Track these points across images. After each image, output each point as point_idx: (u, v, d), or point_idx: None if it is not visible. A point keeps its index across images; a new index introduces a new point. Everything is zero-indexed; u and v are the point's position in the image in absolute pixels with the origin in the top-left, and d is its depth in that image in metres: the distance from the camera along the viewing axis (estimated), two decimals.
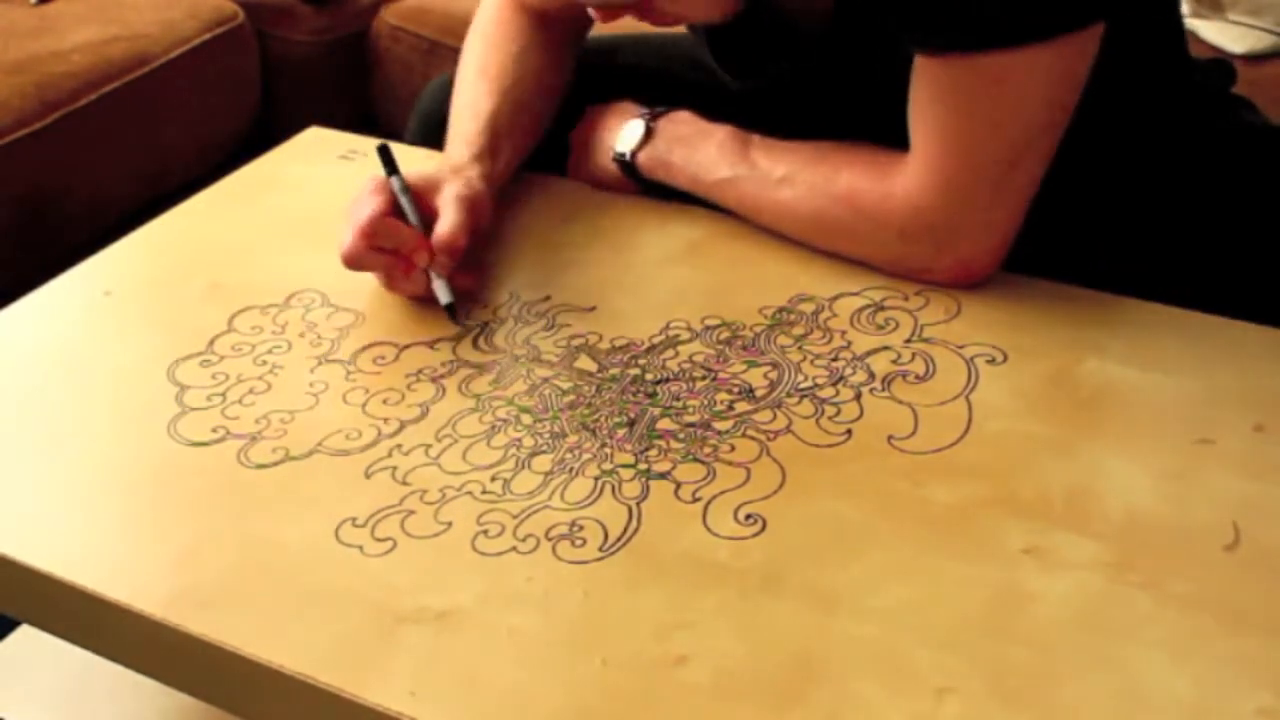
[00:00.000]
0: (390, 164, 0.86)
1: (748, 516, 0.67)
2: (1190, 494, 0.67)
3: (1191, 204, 0.88)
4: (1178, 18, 0.91)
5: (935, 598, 0.61)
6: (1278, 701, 0.56)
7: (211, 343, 0.82)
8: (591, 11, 0.83)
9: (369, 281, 0.87)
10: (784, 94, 0.93)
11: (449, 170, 0.88)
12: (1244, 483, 0.68)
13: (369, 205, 0.81)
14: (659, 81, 1.02)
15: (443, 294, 0.82)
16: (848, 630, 0.60)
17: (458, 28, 1.76)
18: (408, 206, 0.84)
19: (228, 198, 1.00)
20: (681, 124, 0.92)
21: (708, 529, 0.66)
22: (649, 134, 0.92)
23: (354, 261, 0.82)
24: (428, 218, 0.84)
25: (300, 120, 1.13)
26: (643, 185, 0.94)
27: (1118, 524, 0.65)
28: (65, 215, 1.62)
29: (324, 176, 1.02)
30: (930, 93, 0.78)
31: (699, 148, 0.90)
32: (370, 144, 1.06)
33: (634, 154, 0.93)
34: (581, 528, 0.66)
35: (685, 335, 0.81)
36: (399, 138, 1.10)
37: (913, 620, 0.60)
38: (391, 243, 0.82)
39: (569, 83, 1.01)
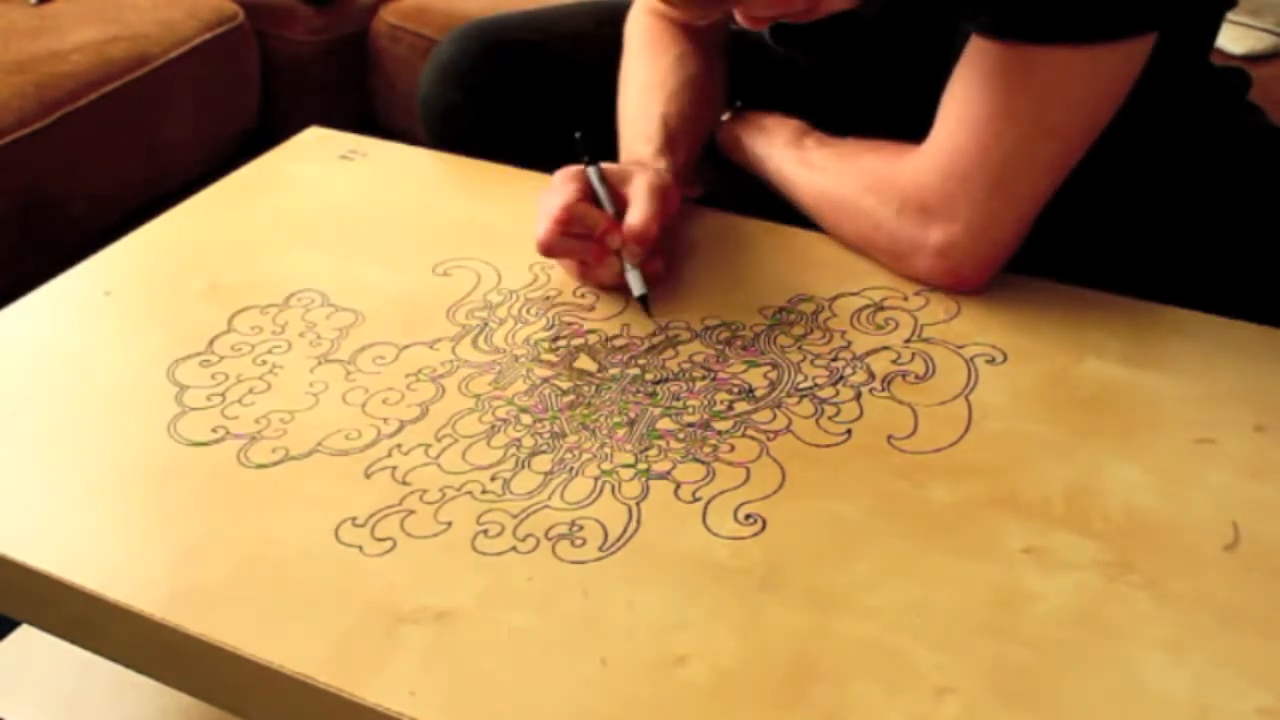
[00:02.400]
0: (589, 153, 0.86)
1: (747, 516, 0.67)
2: (1190, 494, 0.67)
3: (1196, 205, 0.88)
4: (1216, 26, 0.91)
5: (935, 597, 0.61)
6: (1277, 701, 0.56)
7: (211, 343, 0.82)
8: (738, 15, 0.79)
9: (369, 281, 0.87)
10: (842, 71, 0.96)
11: (635, 165, 0.89)
12: (1244, 482, 0.68)
13: (562, 192, 0.83)
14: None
15: (636, 285, 0.83)
16: (847, 630, 0.60)
17: (457, 27, 1.77)
18: (604, 195, 0.84)
19: (228, 198, 1.00)
20: (765, 116, 0.96)
21: (707, 529, 0.66)
22: (734, 113, 0.96)
23: (548, 248, 0.82)
24: (619, 208, 0.85)
25: (300, 120, 1.13)
26: (713, 161, 0.97)
27: (1118, 523, 0.65)
28: (65, 215, 1.62)
29: (324, 176, 1.02)
30: (970, 73, 0.78)
31: (764, 133, 0.94)
32: (370, 144, 1.06)
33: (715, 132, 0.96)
34: (581, 527, 0.66)
35: (685, 335, 0.81)
36: (399, 137, 1.10)
37: (913, 620, 0.60)
38: (584, 228, 0.82)
39: (726, 86, 1.01)
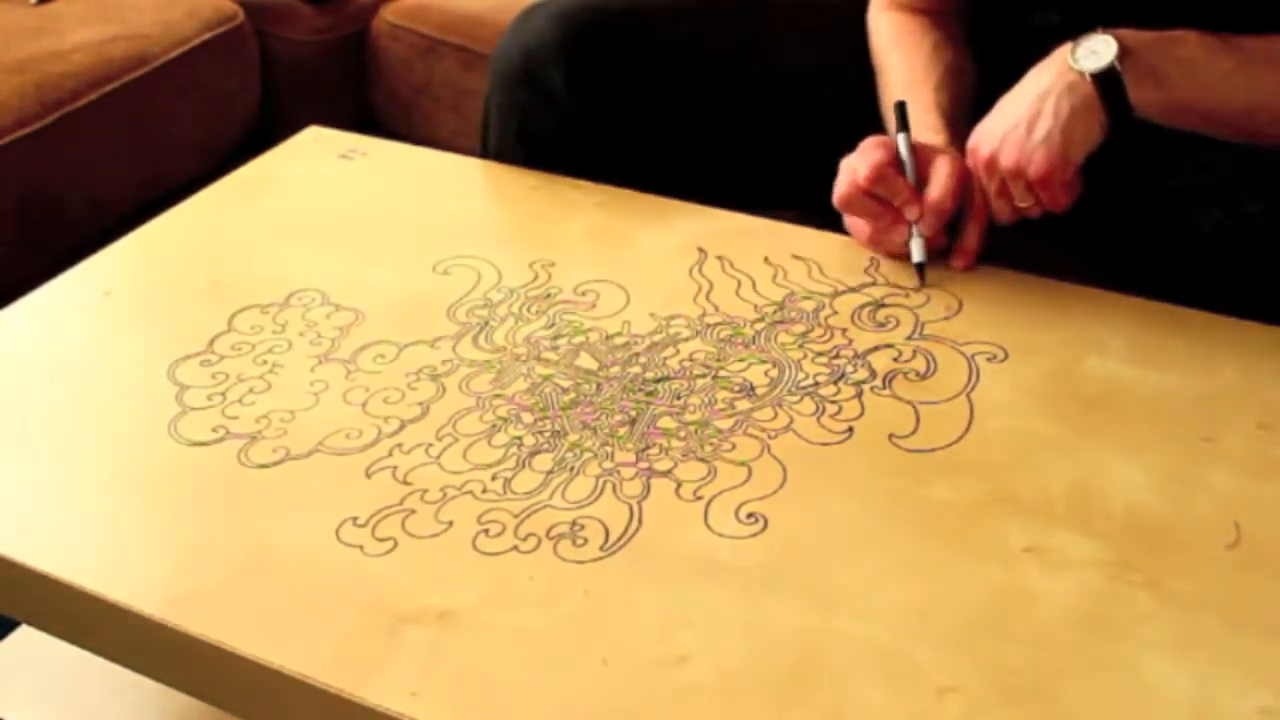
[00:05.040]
0: (904, 122, 0.87)
1: (749, 515, 0.66)
2: (1192, 492, 0.67)
3: (1199, 202, 0.88)
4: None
5: (936, 597, 0.61)
6: (1278, 700, 0.56)
7: (211, 342, 0.82)
8: None
9: (369, 280, 0.87)
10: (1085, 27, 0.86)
11: (938, 147, 0.88)
12: (1246, 481, 0.68)
13: (873, 154, 0.85)
14: None
15: (918, 252, 0.85)
16: (849, 629, 0.60)
17: (458, 25, 1.77)
18: (909, 165, 0.86)
19: (228, 198, 0.99)
20: (1138, 34, 0.82)
21: (709, 528, 0.66)
22: (1124, 47, 0.81)
23: (847, 203, 0.85)
24: (920, 182, 0.86)
25: (300, 120, 1.13)
26: (1118, 108, 0.81)
27: (1119, 522, 0.65)
28: (65, 215, 1.62)
29: (324, 176, 1.02)
30: None
31: (1176, 48, 0.82)
32: (370, 143, 1.06)
33: (1120, 63, 0.80)
34: (582, 527, 0.66)
35: (686, 333, 0.81)
36: (399, 137, 1.10)
37: (914, 619, 0.60)
38: (888, 192, 0.84)
39: (976, 70, 0.98)
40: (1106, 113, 0.81)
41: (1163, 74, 0.81)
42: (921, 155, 0.87)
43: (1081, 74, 0.81)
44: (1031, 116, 0.82)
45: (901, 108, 0.88)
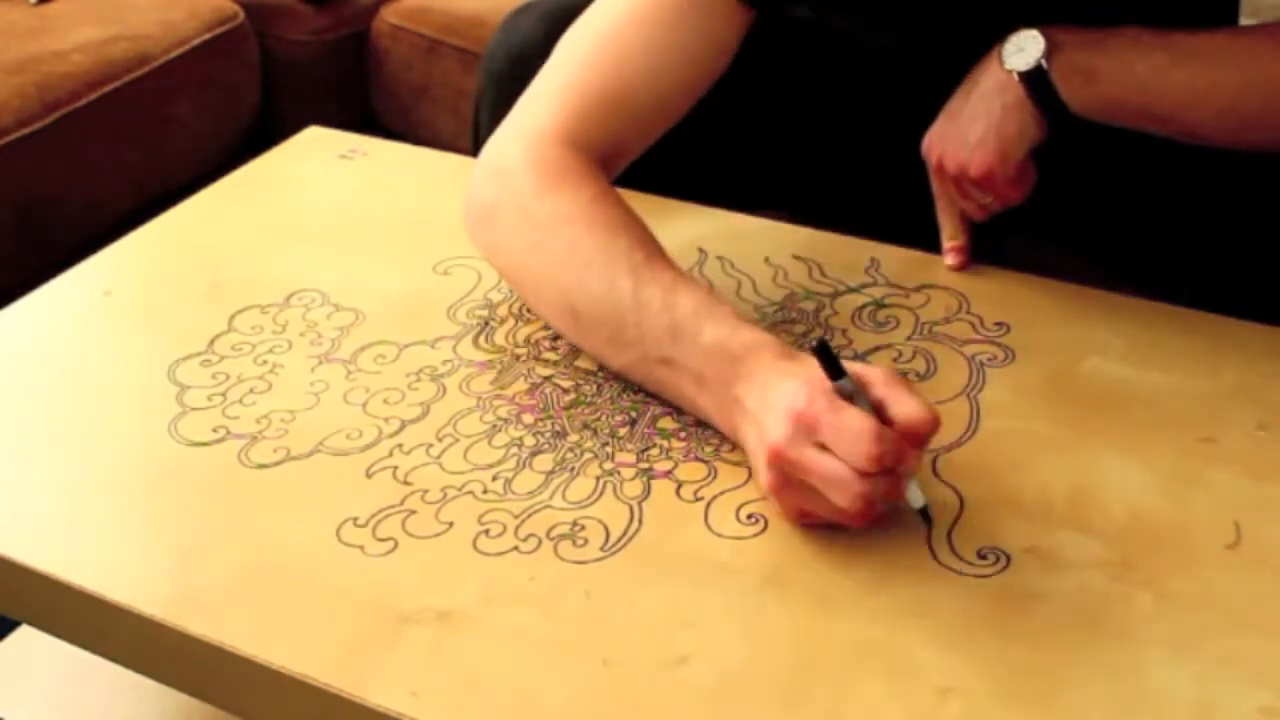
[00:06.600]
0: (835, 366, 0.63)
1: (749, 516, 0.66)
2: (1192, 493, 0.67)
3: (1199, 202, 0.88)
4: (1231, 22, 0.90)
5: (937, 597, 0.61)
6: (1279, 700, 0.56)
7: (212, 342, 0.82)
8: None
9: (369, 280, 0.87)
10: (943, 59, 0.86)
11: (779, 353, 0.67)
12: (1246, 481, 0.68)
13: (867, 432, 0.59)
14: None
15: (917, 497, 0.64)
16: (849, 630, 0.60)
17: (458, 27, 1.77)
18: (869, 410, 0.62)
19: (228, 198, 0.99)
20: (1069, 30, 0.80)
21: (709, 528, 0.66)
22: (1053, 43, 0.79)
23: (874, 509, 0.62)
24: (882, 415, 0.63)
25: (300, 120, 1.13)
26: (1051, 105, 0.79)
27: (1120, 523, 0.65)
28: (65, 215, 1.62)
29: (324, 176, 1.02)
30: None
31: (1108, 44, 0.80)
32: (370, 143, 1.06)
33: (1047, 61, 0.78)
34: (583, 527, 0.66)
35: None
36: (399, 137, 1.10)
37: (914, 620, 0.60)
38: (897, 458, 0.61)
39: None
40: (1039, 110, 0.80)
41: (1093, 70, 0.79)
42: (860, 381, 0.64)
43: (1010, 73, 0.80)
44: (968, 118, 0.82)
45: (825, 348, 0.63)
